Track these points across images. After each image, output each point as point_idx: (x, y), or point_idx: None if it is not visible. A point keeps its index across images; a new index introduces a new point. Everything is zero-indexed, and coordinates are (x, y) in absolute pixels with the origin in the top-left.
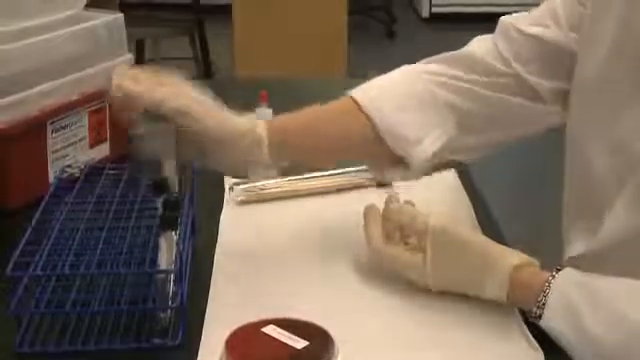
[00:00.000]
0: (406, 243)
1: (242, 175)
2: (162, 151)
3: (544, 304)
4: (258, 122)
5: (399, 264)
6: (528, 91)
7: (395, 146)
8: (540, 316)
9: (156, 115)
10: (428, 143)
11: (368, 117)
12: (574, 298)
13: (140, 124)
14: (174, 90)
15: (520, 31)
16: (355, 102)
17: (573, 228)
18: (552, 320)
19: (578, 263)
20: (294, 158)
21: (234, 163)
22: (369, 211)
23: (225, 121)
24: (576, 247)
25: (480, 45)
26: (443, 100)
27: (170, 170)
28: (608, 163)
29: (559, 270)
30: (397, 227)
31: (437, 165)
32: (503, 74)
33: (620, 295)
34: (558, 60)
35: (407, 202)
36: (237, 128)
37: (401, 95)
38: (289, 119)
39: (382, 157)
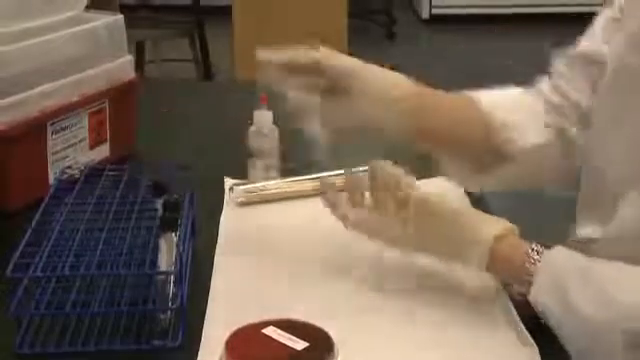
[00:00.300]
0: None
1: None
2: (306, 111)
3: (530, 281)
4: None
5: (382, 236)
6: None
7: (501, 133)
8: (525, 293)
9: (304, 74)
10: (532, 134)
11: (480, 108)
12: (564, 276)
13: (287, 83)
14: (328, 52)
15: (568, 57)
16: (468, 97)
17: (586, 213)
18: (540, 296)
19: (587, 247)
20: (417, 127)
21: (385, 111)
22: (329, 195)
23: (378, 73)
24: (587, 231)
25: (544, 87)
26: (547, 119)
27: (312, 132)
28: (627, 156)
29: (542, 245)
30: (381, 187)
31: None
32: (567, 110)
33: (611, 276)
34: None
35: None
36: (389, 73)
37: (512, 98)
38: (423, 89)
39: (484, 153)
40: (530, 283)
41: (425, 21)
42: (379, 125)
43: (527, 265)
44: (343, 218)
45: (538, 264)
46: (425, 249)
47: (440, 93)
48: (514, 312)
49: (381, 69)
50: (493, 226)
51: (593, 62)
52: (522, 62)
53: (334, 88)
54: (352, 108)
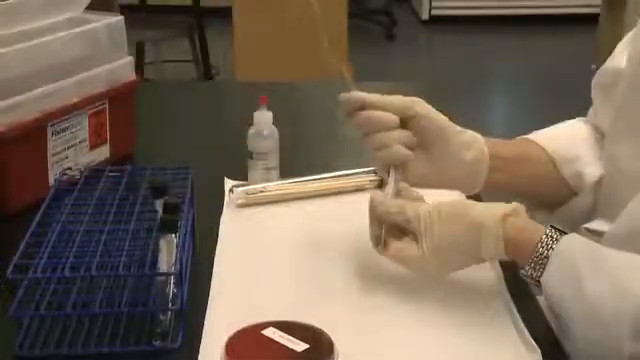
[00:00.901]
0: (403, 235)
1: (462, 187)
2: (398, 157)
3: (543, 265)
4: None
5: (400, 260)
6: None
7: (568, 168)
8: (537, 277)
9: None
10: (594, 165)
11: (543, 148)
12: (577, 262)
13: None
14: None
15: (593, 84)
16: (528, 140)
17: (600, 209)
18: (552, 282)
19: (595, 239)
20: (499, 178)
21: (458, 172)
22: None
23: (455, 129)
24: (596, 224)
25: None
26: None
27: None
28: (635, 164)
29: (554, 228)
30: (392, 222)
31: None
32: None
33: (625, 265)
34: None
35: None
36: (465, 133)
37: (569, 132)
38: (495, 140)
39: (554, 191)
40: (544, 268)
41: (425, 22)
42: (453, 185)
43: (541, 250)
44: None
45: (552, 250)
46: (444, 260)
47: (506, 143)
48: (517, 316)
49: (458, 129)
50: (497, 209)
51: (612, 82)
52: (522, 63)
53: (420, 143)
54: (433, 167)
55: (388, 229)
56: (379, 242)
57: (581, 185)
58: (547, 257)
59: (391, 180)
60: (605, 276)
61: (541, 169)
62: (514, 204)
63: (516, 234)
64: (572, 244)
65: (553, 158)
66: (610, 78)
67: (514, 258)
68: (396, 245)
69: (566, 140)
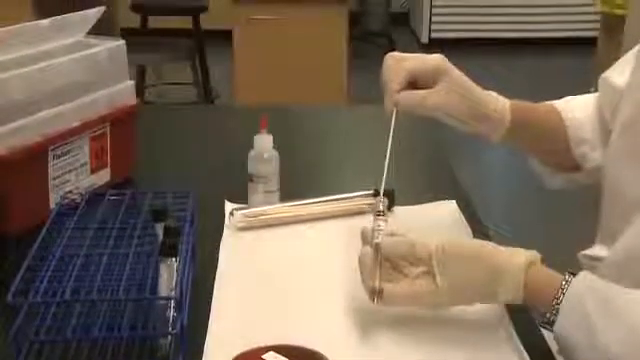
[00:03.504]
0: (405, 275)
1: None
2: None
3: (557, 311)
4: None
5: (413, 298)
6: None
7: (578, 148)
8: (553, 322)
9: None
10: (600, 151)
11: (563, 120)
12: (587, 307)
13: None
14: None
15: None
16: (553, 107)
17: (600, 233)
18: (564, 328)
19: (593, 265)
20: (519, 131)
21: (486, 99)
22: (365, 266)
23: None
24: (595, 250)
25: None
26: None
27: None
28: (633, 190)
29: (572, 274)
30: (396, 261)
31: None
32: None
33: (636, 310)
34: None
35: (391, 233)
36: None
37: (588, 112)
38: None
39: (565, 159)
40: (557, 313)
41: (424, 45)
42: (483, 118)
43: (556, 297)
44: (373, 292)
45: (563, 296)
46: (458, 296)
47: (530, 104)
48: (514, 334)
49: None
50: (519, 257)
51: (613, 90)
52: (521, 86)
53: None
54: (460, 96)
55: (383, 274)
56: (375, 292)
57: (587, 166)
58: (560, 304)
59: (382, 225)
60: (617, 320)
61: (560, 139)
62: (533, 252)
63: (537, 282)
64: (582, 287)
65: (569, 133)
66: (610, 88)
67: (531, 305)
68: (398, 284)
69: (585, 120)
